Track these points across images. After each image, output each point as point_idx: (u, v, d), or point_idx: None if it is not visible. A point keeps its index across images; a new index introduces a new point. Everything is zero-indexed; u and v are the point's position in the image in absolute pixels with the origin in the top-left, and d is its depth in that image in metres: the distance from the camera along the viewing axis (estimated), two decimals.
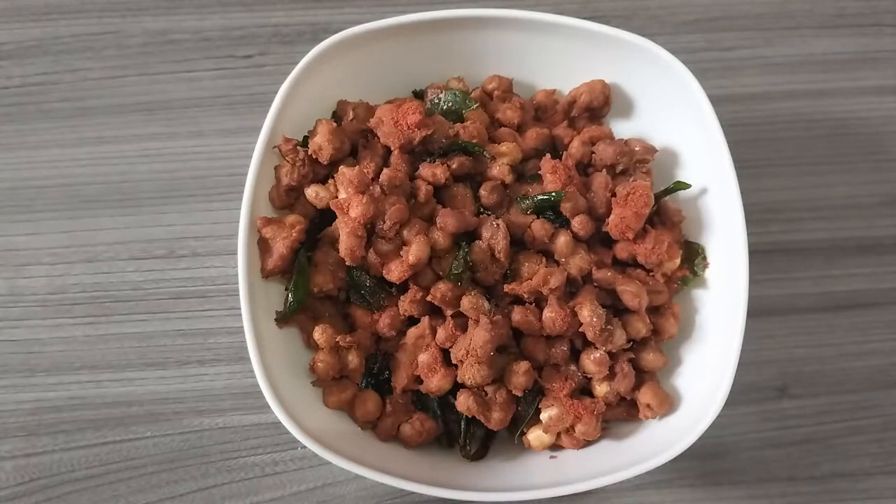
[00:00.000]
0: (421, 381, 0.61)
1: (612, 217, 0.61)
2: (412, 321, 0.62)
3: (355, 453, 0.58)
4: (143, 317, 0.71)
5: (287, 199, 0.63)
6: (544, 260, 0.61)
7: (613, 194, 0.62)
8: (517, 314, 0.59)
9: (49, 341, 0.70)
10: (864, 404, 0.71)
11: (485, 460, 0.63)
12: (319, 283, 0.61)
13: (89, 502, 0.67)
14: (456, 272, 0.59)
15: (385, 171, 0.60)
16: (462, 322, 0.60)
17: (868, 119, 0.77)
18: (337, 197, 0.60)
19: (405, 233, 0.59)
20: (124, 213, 0.73)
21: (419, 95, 0.68)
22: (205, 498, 0.68)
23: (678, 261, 0.63)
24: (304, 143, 0.63)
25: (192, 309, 0.71)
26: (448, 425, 0.63)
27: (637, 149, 0.65)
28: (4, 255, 0.72)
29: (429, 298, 0.59)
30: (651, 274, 0.63)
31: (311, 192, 0.62)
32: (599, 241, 0.63)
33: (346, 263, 0.60)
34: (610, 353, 0.60)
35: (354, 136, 0.64)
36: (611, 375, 0.61)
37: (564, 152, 0.66)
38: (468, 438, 0.62)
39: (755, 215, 0.73)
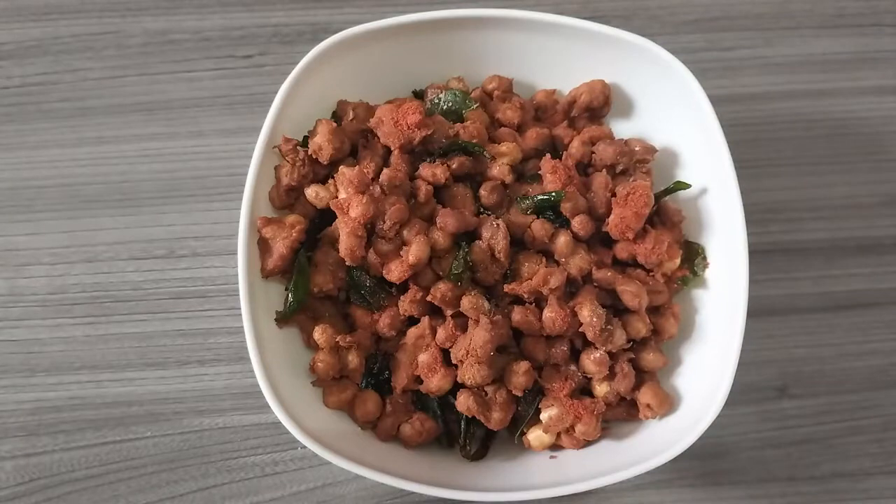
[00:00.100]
0: (421, 381, 0.61)
1: (612, 217, 0.61)
2: (412, 321, 0.62)
3: (355, 453, 0.58)
4: (143, 317, 0.71)
5: (287, 199, 0.63)
6: (544, 260, 0.61)
7: (613, 194, 0.62)
8: (517, 314, 0.59)
9: (49, 341, 0.70)
10: (864, 404, 0.71)
11: (485, 460, 0.63)
12: (319, 283, 0.61)
13: (89, 502, 0.67)
14: (456, 272, 0.59)
15: (385, 171, 0.60)
16: (462, 322, 0.60)
17: (868, 119, 0.77)
18: (337, 197, 0.60)
19: (405, 233, 0.59)
20: (124, 213, 0.73)
21: (419, 95, 0.68)
22: (205, 498, 0.68)
23: (678, 261, 0.63)
24: (304, 143, 0.63)
25: (192, 309, 0.71)
26: (448, 425, 0.63)
27: (637, 149, 0.65)
28: (4, 255, 0.72)
29: (429, 298, 0.59)
30: (651, 274, 0.63)
31: (311, 192, 0.62)
32: (599, 241, 0.63)
33: (346, 263, 0.60)
34: (610, 353, 0.60)
35: (354, 136, 0.64)
36: (611, 375, 0.61)
37: (564, 152, 0.66)
38: (468, 438, 0.62)
39: (755, 215, 0.73)
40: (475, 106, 0.65)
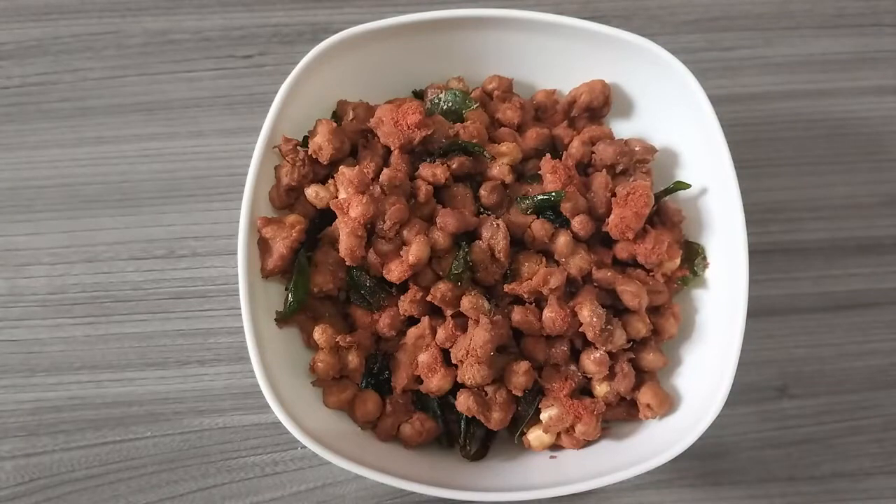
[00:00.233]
0: (421, 381, 0.61)
1: (612, 217, 0.61)
2: (412, 321, 0.62)
3: (355, 453, 0.58)
4: (143, 317, 0.71)
5: (287, 199, 0.63)
6: (544, 260, 0.61)
7: (613, 194, 0.62)
8: (517, 314, 0.59)
9: (49, 341, 0.70)
10: (864, 404, 0.71)
11: (485, 460, 0.63)
12: (319, 283, 0.61)
13: (89, 502, 0.67)
14: (456, 272, 0.59)
15: (385, 171, 0.60)
16: (462, 322, 0.60)
17: (868, 119, 0.77)
18: (337, 197, 0.60)
19: (405, 233, 0.59)
20: (124, 213, 0.73)
21: (419, 95, 0.68)
22: (205, 498, 0.68)
23: (678, 261, 0.63)
24: (304, 143, 0.63)
25: (192, 309, 0.71)
26: (448, 425, 0.63)
27: (637, 149, 0.65)
28: (4, 255, 0.72)
29: (429, 298, 0.59)
30: (651, 274, 0.63)
31: (311, 192, 0.62)
32: (599, 241, 0.63)
33: (346, 263, 0.60)
34: (610, 353, 0.60)
35: (354, 136, 0.64)
36: (611, 375, 0.61)
37: (564, 152, 0.66)
38: (468, 438, 0.62)
39: (755, 215, 0.73)
40: (475, 106, 0.65)
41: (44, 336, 0.71)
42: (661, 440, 0.59)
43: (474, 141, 0.62)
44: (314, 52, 0.62)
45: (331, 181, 0.62)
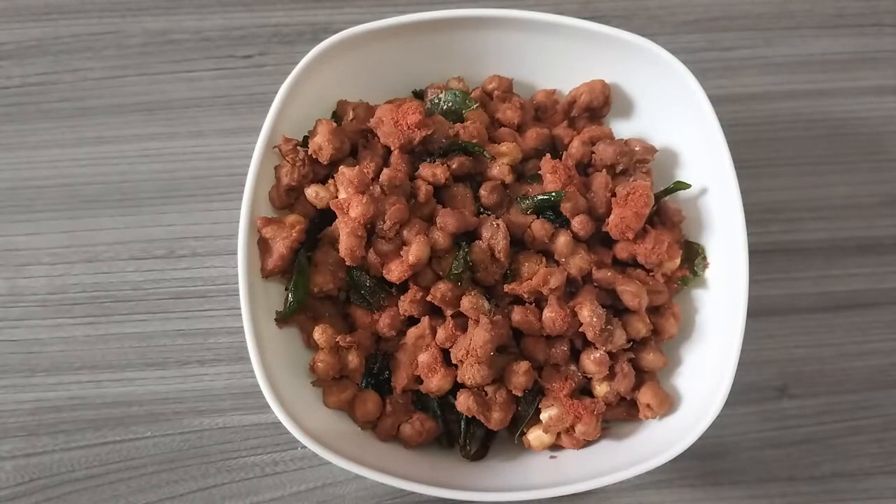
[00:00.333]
0: (421, 381, 0.61)
1: (612, 217, 0.61)
2: (412, 321, 0.62)
3: (355, 453, 0.58)
4: (143, 317, 0.71)
5: (287, 199, 0.63)
6: (544, 260, 0.61)
7: (613, 194, 0.62)
8: (517, 314, 0.59)
9: (49, 341, 0.70)
10: (864, 404, 0.71)
11: (485, 460, 0.63)
12: (319, 283, 0.61)
13: (89, 502, 0.67)
14: (456, 272, 0.59)
15: (385, 171, 0.60)
16: (462, 322, 0.60)
17: (868, 119, 0.77)
18: (337, 197, 0.60)
19: (405, 233, 0.59)
20: (124, 213, 0.73)
21: (419, 95, 0.68)
22: (205, 498, 0.68)
23: (678, 261, 0.63)
24: (304, 143, 0.63)
25: (192, 309, 0.71)
26: (448, 425, 0.63)
27: (637, 149, 0.65)
28: (4, 255, 0.72)
29: (429, 298, 0.59)
30: (651, 274, 0.63)
31: (311, 192, 0.62)
32: (599, 241, 0.63)
33: (346, 263, 0.60)
34: (610, 353, 0.60)
35: (354, 136, 0.64)
36: (611, 375, 0.61)
37: (564, 152, 0.66)
38: (468, 438, 0.62)
39: (755, 215, 0.73)
40: (475, 106, 0.65)
41: (44, 336, 0.71)
42: (661, 440, 0.59)
43: (474, 141, 0.62)
44: (314, 52, 0.62)
45: (331, 181, 0.62)
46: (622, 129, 0.69)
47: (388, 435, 0.62)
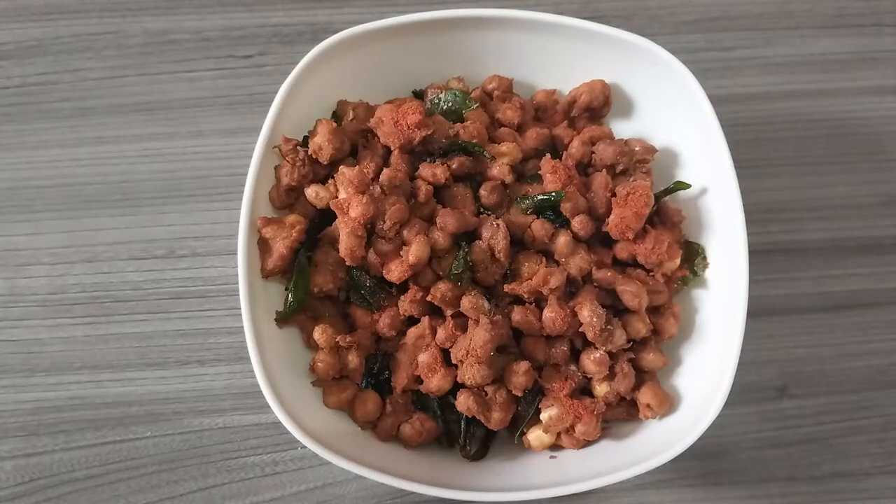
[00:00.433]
0: (421, 381, 0.61)
1: (612, 217, 0.61)
2: (412, 321, 0.62)
3: (355, 453, 0.58)
4: (143, 317, 0.71)
5: (287, 199, 0.63)
6: (544, 260, 0.61)
7: (613, 194, 0.62)
8: (517, 314, 0.59)
9: (49, 341, 0.70)
10: (864, 404, 0.71)
11: (485, 460, 0.63)
12: (319, 283, 0.61)
13: (89, 502, 0.67)
14: (456, 272, 0.59)
15: (385, 171, 0.60)
16: (462, 322, 0.60)
17: (868, 119, 0.77)
18: (337, 197, 0.60)
19: (405, 233, 0.59)
20: (124, 213, 0.73)
21: (419, 95, 0.68)
22: (205, 498, 0.68)
23: (678, 261, 0.63)
24: (304, 143, 0.63)
25: (192, 309, 0.71)
26: (448, 425, 0.63)
27: (637, 149, 0.65)
28: (4, 255, 0.72)
29: (429, 298, 0.59)
30: (651, 274, 0.63)
31: (311, 192, 0.62)
32: (599, 241, 0.63)
33: (346, 263, 0.60)
34: (610, 353, 0.60)
35: (354, 136, 0.64)
36: (611, 375, 0.61)
37: (564, 152, 0.66)
38: (468, 438, 0.62)
39: (755, 215, 0.73)
40: (475, 106, 0.65)
41: (44, 336, 0.71)
42: (661, 440, 0.59)
43: (474, 141, 0.62)
44: (314, 52, 0.62)
45: (331, 181, 0.62)
46: (622, 129, 0.69)
47: (388, 435, 0.62)
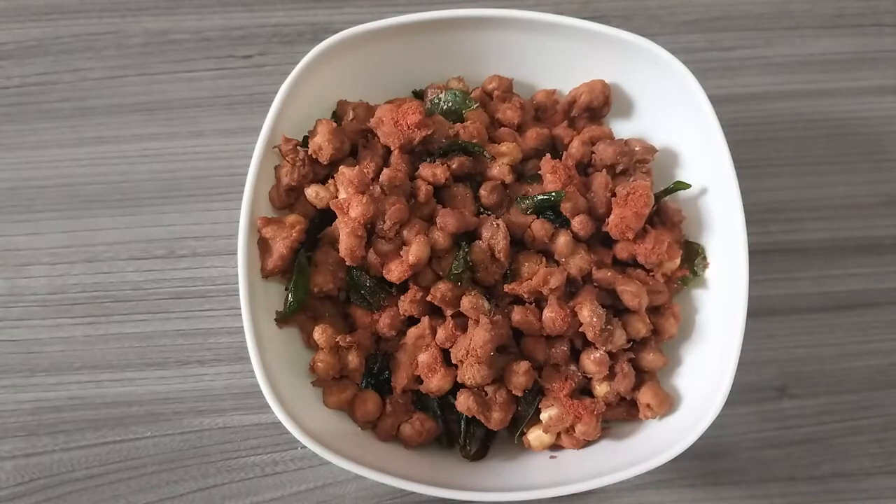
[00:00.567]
0: (421, 381, 0.61)
1: (612, 217, 0.61)
2: (412, 321, 0.62)
3: (355, 453, 0.58)
4: (143, 317, 0.71)
5: (287, 199, 0.63)
6: (544, 260, 0.61)
7: (613, 194, 0.62)
8: (517, 314, 0.59)
9: (49, 341, 0.70)
10: (864, 404, 0.71)
11: (485, 460, 0.63)
12: (319, 283, 0.61)
13: (89, 502, 0.67)
14: (456, 272, 0.59)
15: (385, 171, 0.60)
16: (462, 322, 0.60)
17: (868, 119, 0.77)
18: (337, 197, 0.60)
19: (405, 233, 0.59)
20: (124, 213, 0.73)
21: (419, 95, 0.68)
22: (205, 498, 0.68)
23: (678, 261, 0.63)
24: (304, 143, 0.63)
25: (192, 309, 0.71)
26: (448, 425, 0.63)
27: (637, 149, 0.65)
28: (4, 255, 0.72)
29: (429, 298, 0.59)
30: (651, 274, 0.63)
31: (311, 192, 0.62)
32: (599, 241, 0.63)
33: (346, 263, 0.60)
34: (610, 353, 0.60)
35: (354, 136, 0.64)
36: (611, 375, 0.61)
37: (564, 152, 0.66)
38: (468, 438, 0.62)
39: (755, 215, 0.73)
40: (475, 106, 0.65)
41: (44, 336, 0.71)
42: (661, 440, 0.59)
43: (474, 141, 0.62)
44: (314, 52, 0.62)
45: (331, 181, 0.62)
46: (622, 129, 0.69)
47: (388, 435, 0.62)
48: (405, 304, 0.60)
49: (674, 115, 0.65)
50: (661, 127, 0.67)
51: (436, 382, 0.59)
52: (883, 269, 0.74)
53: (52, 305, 0.71)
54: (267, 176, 0.62)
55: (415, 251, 0.58)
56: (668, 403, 0.61)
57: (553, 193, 0.60)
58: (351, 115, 0.64)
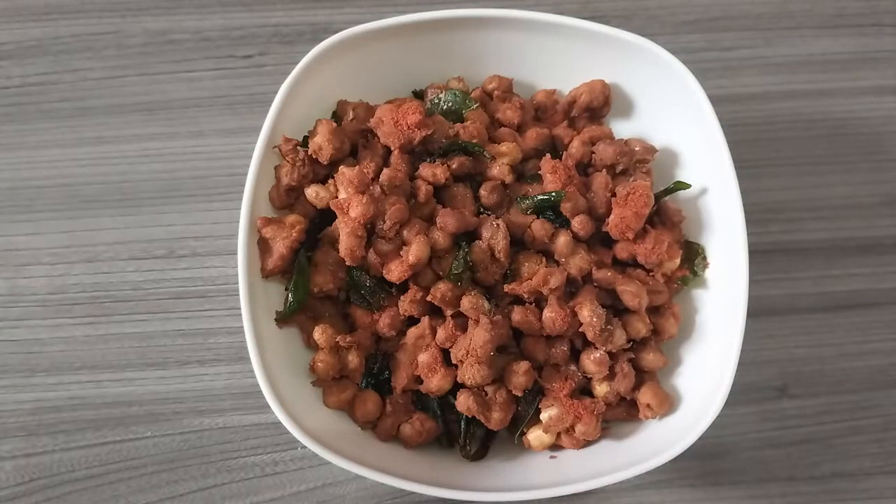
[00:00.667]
0: (421, 381, 0.61)
1: (612, 217, 0.61)
2: (412, 321, 0.62)
3: (355, 453, 0.58)
4: (143, 317, 0.71)
5: (287, 199, 0.63)
6: (544, 260, 0.61)
7: (613, 194, 0.62)
8: (517, 314, 0.59)
9: (49, 341, 0.70)
10: (864, 404, 0.71)
11: (485, 460, 0.63)
12: (319, 283, 0.61)
13: (89, 502, 0.67)
14: (456, 272, 0.59)
15: (385, 171, 0.60)
16: (462, 322, 0.60)
17: (868, 119, 0.77)
18: (337, 197, 0.60)
19: (405, 233, 0.59)
20: (124, 213, 0.73)
21: (419, 95, 0.68)
22: (205, 498, 0.68)
23: (678, 261, 0.63)
24: (304, 143, 0.63)
25: (192, 309, 0.71)
26: (448, 425, 0.63)
27: (637, 149, 0.65)
28: (4, 255, 0.72)
29: (429, 298, 0.59)
30: (651, 274, 0.63)
31: (311, 192, 0.62)
32: (599, 241, 0.63)
33: (346, 263, 0.60)
34: (610, 353, 0.60)
35: (354, 136, 0.64)
36: (611, 375, 0.61)
37: (564, 152, 0.66)
38: (468, 438, 0.62)
39: (755, 215, 0.73)
40: (475, 106, 0.65)
41: (44, 336, 0.71)
42: (661, 440, 0.59)
43: (474, 141, 0.62)
44: (314, 52, 0.62)
45: (331, 181, 0.62)
46: (622, 129, 0.69)
47: (388, 435, 0.62)
48: (405, 304, 0.60)
49: (674, 115, 0.65)
50: (661, 127, 0.67)
51: (436, 382, 0.59)
52: (883, 269, 0.74)
53: (52, 305, 0.71)
54: (267, 176, 0.62)
55: (415, 251, 0.58)
56: (668, 403, 0.61)
57: (553, 193, 0.60)
58: (351, 115, 0.64)
